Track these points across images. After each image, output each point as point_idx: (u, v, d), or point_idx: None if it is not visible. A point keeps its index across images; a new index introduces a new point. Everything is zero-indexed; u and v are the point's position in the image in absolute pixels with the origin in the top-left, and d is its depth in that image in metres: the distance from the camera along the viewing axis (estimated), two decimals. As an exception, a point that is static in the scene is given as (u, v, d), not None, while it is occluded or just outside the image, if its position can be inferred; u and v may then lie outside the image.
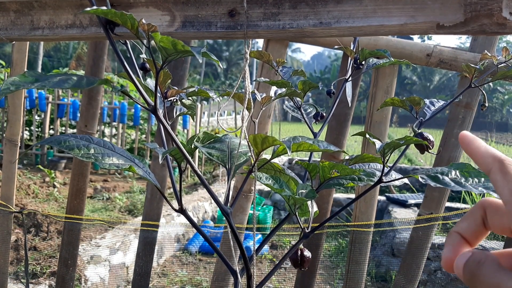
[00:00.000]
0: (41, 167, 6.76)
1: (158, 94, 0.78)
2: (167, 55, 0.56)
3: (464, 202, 5.89)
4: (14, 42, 0.76)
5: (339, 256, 4.80)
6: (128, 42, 0.79)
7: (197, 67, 36.09)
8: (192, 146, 0.76)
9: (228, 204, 0.69)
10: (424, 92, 38.81)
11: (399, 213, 5.21)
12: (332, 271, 4.50)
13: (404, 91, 39.56)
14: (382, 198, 5.99)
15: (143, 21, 0.54)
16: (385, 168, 0.75)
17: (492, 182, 0.36)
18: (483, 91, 0.83)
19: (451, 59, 1.37)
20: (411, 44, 1.41)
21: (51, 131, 8.15)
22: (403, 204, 5.52)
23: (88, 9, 0.53)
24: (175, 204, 0.74)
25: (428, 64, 1.39)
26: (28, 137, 8.30)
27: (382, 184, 0.78)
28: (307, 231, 0.75)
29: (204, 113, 8.25)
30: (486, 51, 0.81)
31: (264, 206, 6.00)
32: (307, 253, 0.76)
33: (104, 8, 0.53)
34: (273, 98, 0.74)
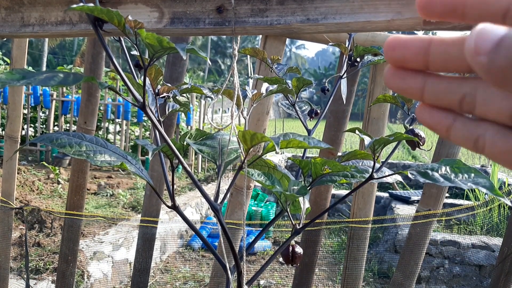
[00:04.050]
0: (46, 164, 6.80)
1: (150, 91, 0.79)
2: (153, 51, 0.56)
3: (468, 198, 5.88)
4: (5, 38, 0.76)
5: (341, 253, 4.80)
6: (122, 39, 0.79)
7: (202, 63, 36.09)
8: (184, 143, 0.76)
9: (218, 201, 0.70)
10: (429, 89, 38.56)
11: (402, 209, 5.21)
12: (334, 268, 4.50)
13: (409, 87, 39.27)
14: (385, 195, 5.99)
15: (129, 17, 0.54)
16: (377, 164, 0.75)
17: None
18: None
19: (449, 55, 1.36)
20: (409, 40, 1.40)
21: (56, 128, 8.19)
22: (406, 200, 5.52)
23: (75, 6, 0.53)
24: (178, 200, 0.74)
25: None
26: (33, 134, 8.34)
27: (383, 181, 0.78)
28: (298, 227, 0.75)
29: (207, 109, 8.25)
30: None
31: (267, 203, 6.01)
32: (299, 249, 0.76)
33: (91, 5, 0.54)
34: (264, 95, 0.74)
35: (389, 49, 0.28)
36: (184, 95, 0.88)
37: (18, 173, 5.97)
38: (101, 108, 7.69)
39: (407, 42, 0.27)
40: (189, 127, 8.26)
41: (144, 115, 8.36)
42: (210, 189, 6.28)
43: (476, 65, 0.23)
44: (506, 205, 4.82)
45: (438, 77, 0.28)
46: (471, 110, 0.27)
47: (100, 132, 8.12)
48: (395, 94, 0.76)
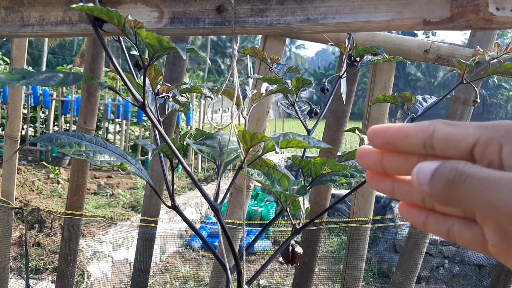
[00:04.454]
0: (46, 164, 6.80)
1: (150, 91, 0.79)
2: (153, 51, 0.56)
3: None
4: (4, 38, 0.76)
5: (341, 252, 4.80)
6: (121, 39, 0.79)
7: (201, 63, 36.08)
8: (184, 143, 0.76)
9: (218, 200, 0.70)
10: (429, 88, 38.63)
11: (402, 209, 5.21)
12: (334, 267, 4.50)
13: (408, 87, 39.40)
14: (385, 194, 5.99)
15: (129, 17, 0.54)
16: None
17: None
18: (475, 87, 0.83)
19: (449, 55, 1.37)
20: (409, 40, 1.40)
21: (56, 128, 8.19)
22: (406, 200, 5.51)
23: (75, 5, 0.53)
24: (177, 200, 0.74)
25: (426, 60, 1.38)
26: (33, 134, 8.34)
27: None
28: (298, 227, 0.75)
29: (207, 109, 8.25)
30: (478, 47, 0.81)
31: (267, 203, 6.01)
32: (298, 249, 0.76)
33: (91, 4, 0.54)
34: (263, 94, 0.74)
35: (358, 158, 0.34)
36: (184, 95, 0.88)
37: (18, 173, 5.97)
38: (101, 108, 7.69)
39: (368, 154, 0.33)
40: (189, 127, 8.25)
41: (143, 115, 8.37)
42: (210, 189, 6.28)
43: (423, 193, 0.29)
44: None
45: (402, 181, 0.33)
46: (432, 208, 0.32)
47: (100, 132, 8.12)
48: (395, 94, 0.76)
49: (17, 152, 3.87)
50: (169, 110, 0.83)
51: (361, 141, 1.61)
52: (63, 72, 0.56)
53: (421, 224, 0.33)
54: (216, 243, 4.08)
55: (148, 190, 1.82)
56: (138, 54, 0.65)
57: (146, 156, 7.29)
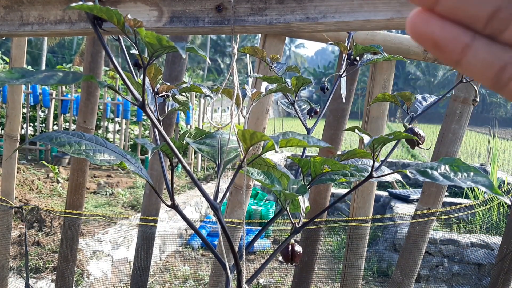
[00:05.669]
0: (45, 163, 6.80)
1: (150, 90, 0.79)
2: (153, 50, 0.56)
3: (467, 197, 5.88)
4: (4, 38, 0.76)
5: (341, 252, 4.80)
6: (121, 38, 0.79)
7: (201, 62, 36.07)
8: (184, 142, 0.76)
9: (218, 200, 0.70)
10: (428, 87, 38.65)
11: (401, 208, 5.21)
12: (334, 266, 4.50)
13: (408, 86, 39.42)
14: (385, 193, 6.00)
15: (129, 16, 0.54)
16: (377, 163, 0.75)
17: None
18: (475, 86, 0.83)
19: (449, 54, 1.36)
20: (408, 40, 1.40)
21: (55, 127, 8.19)
22: (406, 199, 5.52)
23: (74, 4, 0.53)
24: (177, 199, 0.74)
25: (425, 59, 1.38)
26: (33, 133, 8.34)
27: (382, 180, 0.78)
28: (297, 226, 0.75)
29: (207, 108, 8.26)
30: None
31: (267, 202, 6.01)
32: (298, 248, 0.76)
33: (90, 3, 0.53)
34: (263, 93, 0.74)
35: None
36: (184, 94, 0.88)
37: (17, 172, 5.97)
38: (101, 107, 7.68)
39: None
40: (189, 126, 8.24)
41: (143, 114, 8.35)
42: (209, 188, 6.28)
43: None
44: (506, 203, 4.83)
45: None
46: (500, 31, 0.20)
47: (100, 131, 8.11)
48: (395, 93, 0.76)
49: (17, 151, 3.87)
50: (169, 109, 0.83)
51: (361, 140, 1.61)
52: (63, 71, 0.56)
53: (459, 49, 0.21)
54: (215, 242, 4.08)
55: (147, 189, 1.82)
56: (137, 53, 0.65)
57: (145, 155, 7.29)
